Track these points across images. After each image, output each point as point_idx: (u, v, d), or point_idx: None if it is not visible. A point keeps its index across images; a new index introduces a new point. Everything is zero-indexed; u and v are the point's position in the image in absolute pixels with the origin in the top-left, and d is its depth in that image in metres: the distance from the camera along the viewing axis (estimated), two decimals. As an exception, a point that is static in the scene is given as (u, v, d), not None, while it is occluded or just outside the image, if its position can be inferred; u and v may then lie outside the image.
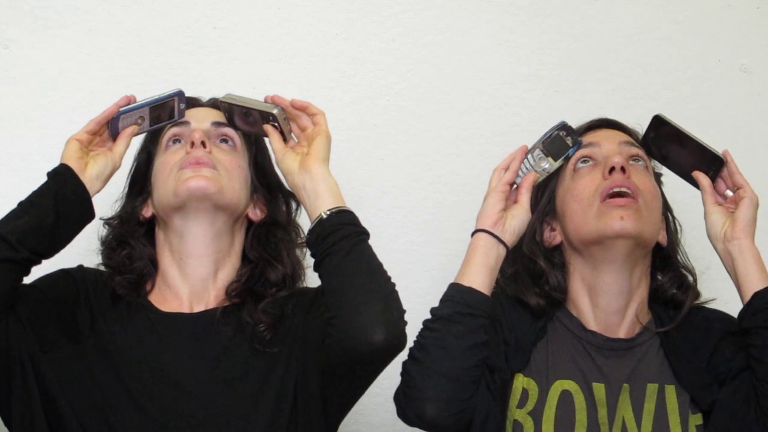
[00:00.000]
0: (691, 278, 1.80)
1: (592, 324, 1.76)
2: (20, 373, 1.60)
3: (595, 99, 2.16)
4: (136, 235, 1.74)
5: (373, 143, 2.15)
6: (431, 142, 2.17)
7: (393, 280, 1.63)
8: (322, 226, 1.62)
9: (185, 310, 1.72)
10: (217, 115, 1.77)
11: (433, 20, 2.18)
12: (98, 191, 1.67)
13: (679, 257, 1.81)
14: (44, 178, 1.61)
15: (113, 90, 2.05)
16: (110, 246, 1.75)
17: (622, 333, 1.75)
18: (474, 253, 1.70)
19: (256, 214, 1.76)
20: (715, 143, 2.18)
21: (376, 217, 2.14)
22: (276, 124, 1.70)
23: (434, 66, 2.17)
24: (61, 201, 1.60)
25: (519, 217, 1.73)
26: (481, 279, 1.68)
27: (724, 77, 2.23)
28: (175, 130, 1.75)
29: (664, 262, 1.80)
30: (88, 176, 1.64)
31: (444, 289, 2.12)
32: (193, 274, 1.72)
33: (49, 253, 1.62)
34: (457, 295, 1.67)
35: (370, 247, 1.63)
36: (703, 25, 2.24)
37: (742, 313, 1.69)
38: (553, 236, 1.79)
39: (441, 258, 2.14)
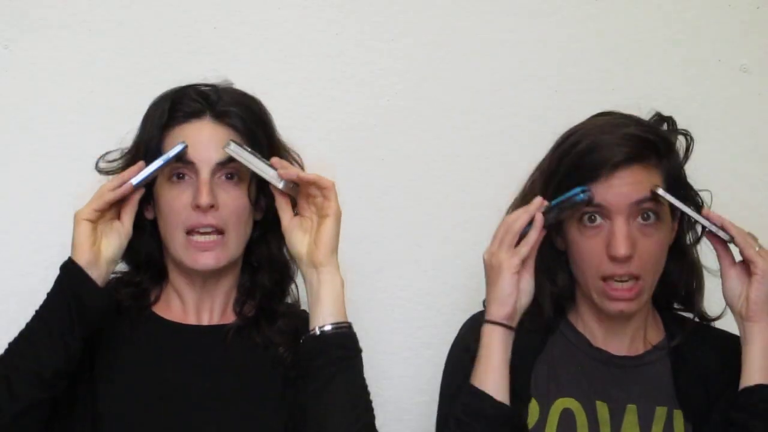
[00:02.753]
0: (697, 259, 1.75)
1: (597, 338, 1.74)
2: None
3: (595, 99, 2.15)
4: (144, 235, 1.72)
5: (373, 143, 2.15)
6: (431, 142, 2.16)
7: (373, 406, 1.62)
8: (313, 343, 1.61)
9: (192, 320, 1.72)
10: (222, 140, 1.66)
11: (433, 20, 2.17)
12: (113, 270, 1.65)
13: (686, 245, 1.75)
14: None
15: (113, 90, 2.06)
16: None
17: (626, 348, 1.73)
18: (494, 352, 1.63)
19: (258, 215, 1.74)
20: (715, 143, 2.19)
21: (376, 217, 2.14)
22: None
23: (434, 66, 2.17)
24: (86, 324, 1.57)
25: (527, 293, 1.66)
26: (504, 382, 1.63)
27: (724, 77, 2.23)
28: (179, 164, 1.66)
29: (671, 254, 1.73)
30: (104, 261, 1.60)
31: (443, 289, 2.13)
32: (197, 278, 1.72)
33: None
34: (489, 410, 1.61)
35: (353, 374, 1.61)
36: (703, 25, 2.24)
37: (733, 401, 1.65)
38: (560, 242, 1.73)
39: (440, 258, 2.14)
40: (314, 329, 1.61)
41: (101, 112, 2.05)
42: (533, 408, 1.69)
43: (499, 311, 1.64)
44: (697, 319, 1.77)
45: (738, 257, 1.69)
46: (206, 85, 1.73)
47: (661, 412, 1.70)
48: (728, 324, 1.76)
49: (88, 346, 1.63)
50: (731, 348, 1.70)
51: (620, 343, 1.74)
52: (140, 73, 2.05)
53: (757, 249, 1.65)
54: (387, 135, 2.15)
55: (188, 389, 1.65)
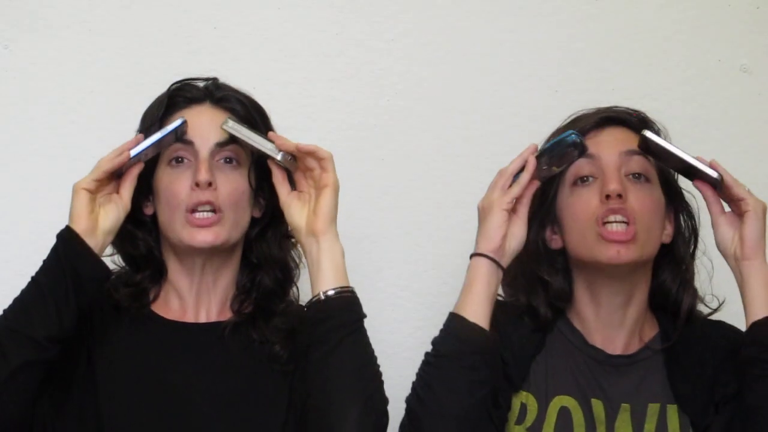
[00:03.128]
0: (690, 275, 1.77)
1: (594, 337, 1.74)
2: None
3: (595, 99, 2.15)
4: (143, 230, 1.73)
5: (373, 143, 2.15)
6: (431, 142, 2.17)
7: (381, 369, 1.63)
8: (317, 308, 1.62)
9: (190, 317, 1.72)
10: (220, 121, 1.69)
11: (433, 20, 2.18)
12: (110, 242, 1.65)
13: (682, 253, 1.76)
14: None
15: (113, 90, 2.06)
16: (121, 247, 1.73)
17: (622, 346, 1.73)
18: (476, 281, 1.66)
19: (257, 212, 1.75)
20: (715, 143, 2.19)
21: (376, 217, 2.14)
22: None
23: (434, 66, 2.17)
24: (81, 291, 1.57)
25: (518, 237, 1.69)
26: (483, 310, 1.65)
27: (724, 77, 2.23)
28: (178, 146, 1.68)
29: (668, 258, 1.76)
30: (101, 232, 1.61)
31: (443, 289, 2.13)
32: (196, 271, 1.72)
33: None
34: (461, 331, 1.64)
35: (362, 337, 1.62)
36: (703, 25, 2.24)
37: (741, 340, 1.66)
38: (555, 240, 1.75)
39: (440, 258, 2.14)
40: (318, 295, 1.62)
41: (101, 112, 2.05)
42: (531, 405, 1.70)
43: (486, 245, 1.67)
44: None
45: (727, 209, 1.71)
46: (205, 79, 1.75)
47: (653, 408, 1.70)
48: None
49: (87, 338, 1.64)
50: (721, 333, 1.73)
51: (616, 341, 1.74)
52: (140, 73, 2.05)
53: (747, 189, 1.68)
54: (387, 135, 2.15)
55: (187, 386, 1.65)
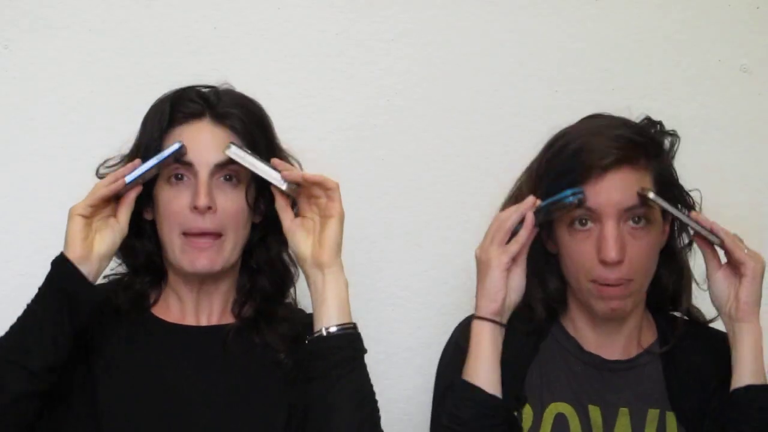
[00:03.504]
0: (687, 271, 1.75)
1: (590, 344, 1.73)
2: None
3: (595, 99, 2.16)
4: (143, 236, 1.72)
5: (373, 143, 2.15)
6: (431, 142, 2.16)
7: (378, 406, 1.62)
8: (319, 344, 1.61)
9: (190, 321, 1.72)
10: (221, 141, 1.66)
11: (433, 20, 2.17)
12: (107, 266, 1.64)
13: (677, 250, 1.75)
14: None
15: (113, 90, 2.06)
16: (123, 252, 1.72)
17: (620, 351, 1.73)
18: (483, 346, 1.65)
19: (257, 218, 1.74)
20: (715, 143, 2.19)
21: (376, 217, 2.14)
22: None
23: (434, 66, 2.17)
24: (76, 318, 1.57)
25: (517, 291, 1.68)
26: (495, 377, 1.64)
27: (724, 77, 2.23)
28: (177, 165, 1.66)
29: (663, 257, 1.74)
30: (96, 257, 1.60)
31: (443, 289, 2.13)
32: (195, 281, 1.71)
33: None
34: (485, 406, 1.63)
35: (361, 373, 1.61)
36: (703, 25, 2.24)
37: (726, 400, 1.65)
38: (551, 245, 1.74)
39: (441, 258, 2.14)
40: (320, 330, 1.61)
41: (101, 112, 2.05)
42: (527, 413, 1.69)
43: (487, 307, 1.65)
44: (686, 318, 1.76)
45: (723, 260, 1.69)
46: (206, 87, 1.73)
47: (653, 414, 1.69)
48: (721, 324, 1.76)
49: (85, 347, 1.63)
50: (723, 346, 1.70)
51: (613, 348, 1.74)
52: (140, 73, 2.05)
53: (745, 251, 1.66)
54: (387, 135, 2.15)
55: (188, 390, 1.65)
